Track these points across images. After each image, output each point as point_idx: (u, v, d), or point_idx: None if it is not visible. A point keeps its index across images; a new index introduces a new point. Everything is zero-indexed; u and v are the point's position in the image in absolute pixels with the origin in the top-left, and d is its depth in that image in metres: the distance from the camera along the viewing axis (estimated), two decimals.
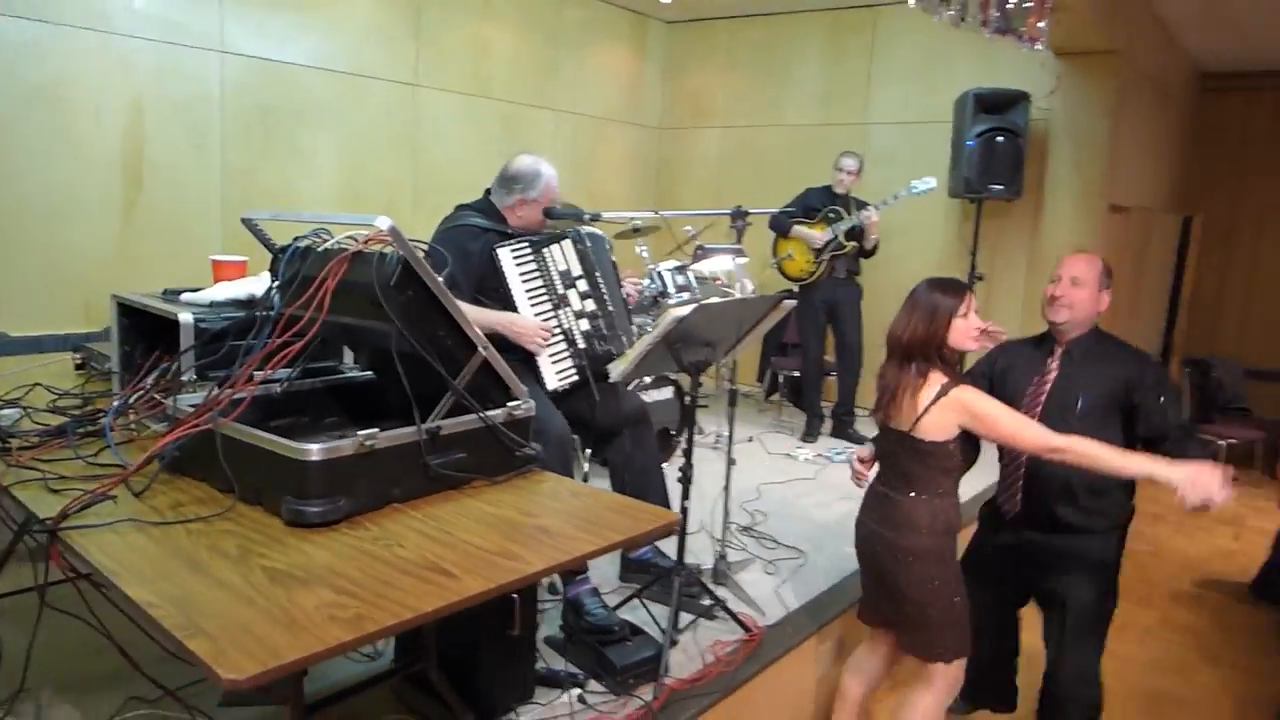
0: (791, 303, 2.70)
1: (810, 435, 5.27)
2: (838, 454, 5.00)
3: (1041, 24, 3.83)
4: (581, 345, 2.88)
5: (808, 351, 5.25)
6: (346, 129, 5.06)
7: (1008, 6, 3.51)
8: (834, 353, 5.35)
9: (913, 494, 2.36)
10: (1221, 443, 6.79)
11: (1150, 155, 6.21)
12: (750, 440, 5.24)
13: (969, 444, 2.48)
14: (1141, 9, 5.46)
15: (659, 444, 3.55)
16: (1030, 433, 2.24)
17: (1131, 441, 2.47)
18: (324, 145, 4.96)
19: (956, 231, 5.73)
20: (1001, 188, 5.15)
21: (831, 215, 4.98)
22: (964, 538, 2.66)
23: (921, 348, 2.29)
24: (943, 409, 2.25)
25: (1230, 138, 7.49)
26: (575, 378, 2.84)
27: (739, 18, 6.73)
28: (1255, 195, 7.43)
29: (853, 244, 4.96)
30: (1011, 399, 2.51)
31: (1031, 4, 3.60)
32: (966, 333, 2.31)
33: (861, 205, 4.97)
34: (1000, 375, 2.66)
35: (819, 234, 4.98)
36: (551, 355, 2.81)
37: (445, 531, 1.60)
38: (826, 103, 6.42)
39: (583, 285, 2.95)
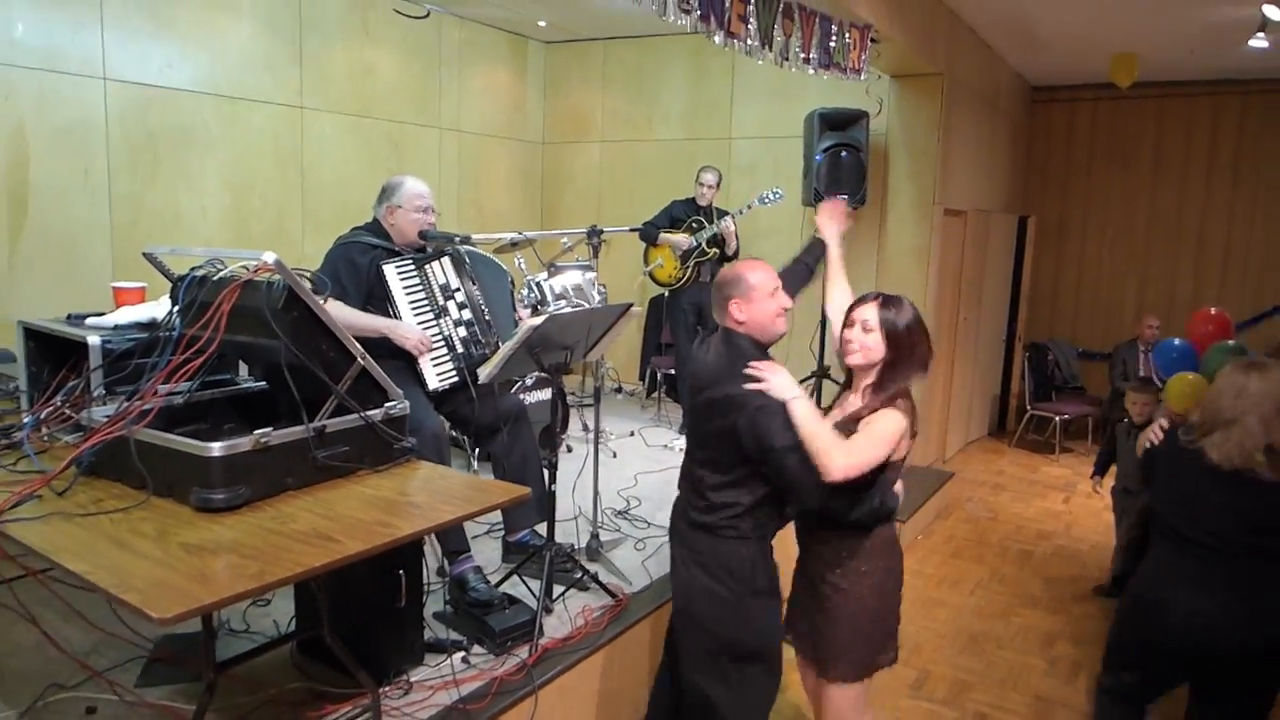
0: (638, 310, 3.12)
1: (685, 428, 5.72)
2: None
3: (863, 57, 4.38)
4: (460, 350, 3.23)
5: (679, 351, 5.72)
6: (233, 152, 5.25)
7: (830, 44, 4.02)
8: None
9: None
10: (1057, 418, 7.62)
11: (982, 163, 6.92)
12: (632, 434, 5.65)
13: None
14: (966, 34, 6.13)
15: (543, 441, 3.93)
16: None
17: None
18: (211, 168, 5.15)
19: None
20: (846, 197, 5.72)
21: (695, 225, 5.47)
22: None
23: None
24: None
25: (1057, 144, 8.36)
26: (455, 379, 3.19)
27: (612, 39, 7.17)
28: (1080, 196, 8.32)
29: (715, 250, 5.46)
30: None
31: (851, 42, 4.13)
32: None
33: (722, 214, 5.46)
34: None
35: (684, 239, 5.45)
36: (433, 359, 3.16)
37: (331, 510, 1.94)
38: (693, 119, 6.93)
39: (460, 296, 3.31)
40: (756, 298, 2.38)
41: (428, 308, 3.21)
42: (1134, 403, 4.46)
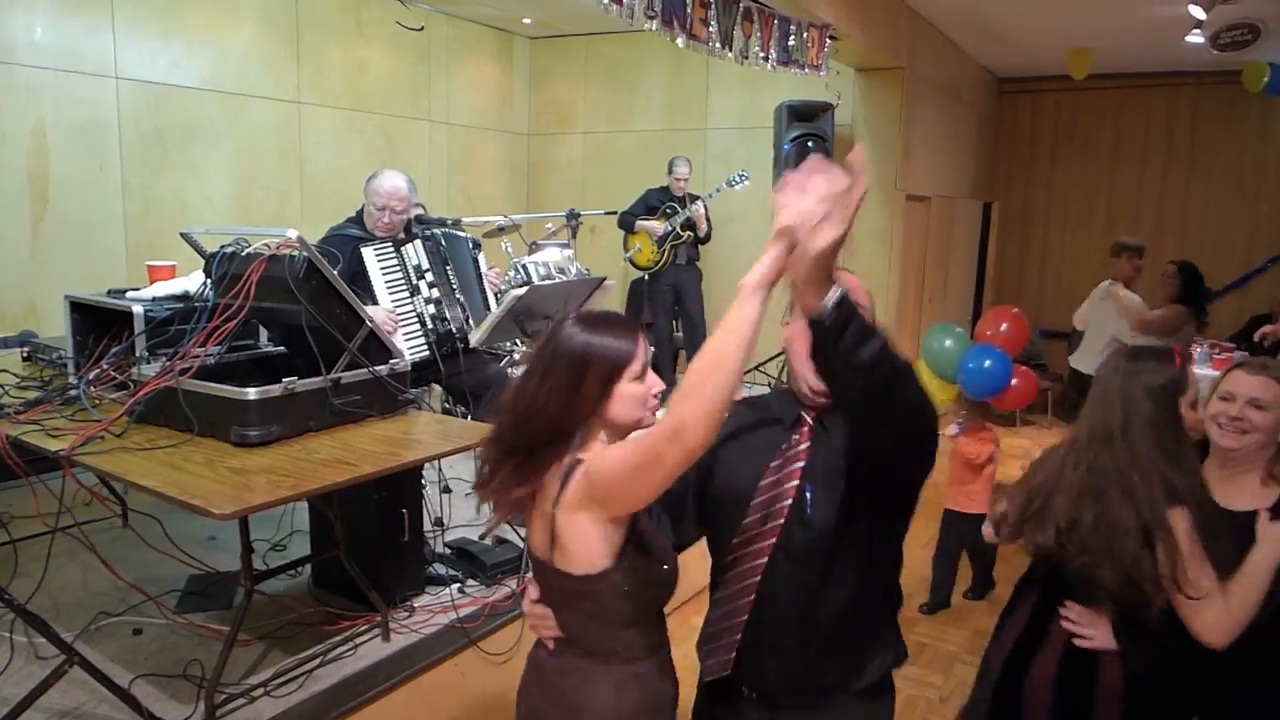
0: (611, 283, 3.50)
1: (663, 403, 6.11)
2: None
3: (822, 54, 4.75)
4: (430, 326, 3.61)
5: (658, 330, 6.12)
6: (236, 145, 5.59)
7: (789, 43, 4.38)
8: (682, 330, 6.23)
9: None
10: None
11: (944, 151, 7.31)
12: None
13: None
14: (927, 30, 6.50)
15: None
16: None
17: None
18: (216, 160, 5.49)
19: None
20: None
21: (669, 210, 5.86)
22: None
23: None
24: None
25: (1022, 134, 8.76)
26: (425, 353, 3.56)
27: (593, 35, 7.52)
28: (1044, 182, 8.72)
29: (689, 233, 5.85)
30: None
31: (809, 40, 4.49)
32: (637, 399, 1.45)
33: (693, 199, 5.85)
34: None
35: (659, 225, 5.84)
36: (406, 335, 3.52)
37: (348, 445, 2.32)
38: (671, 111, 7.29)
39: (430, 276, 3.67)
40: None
41: (403, 286, 3.58)
42: None
